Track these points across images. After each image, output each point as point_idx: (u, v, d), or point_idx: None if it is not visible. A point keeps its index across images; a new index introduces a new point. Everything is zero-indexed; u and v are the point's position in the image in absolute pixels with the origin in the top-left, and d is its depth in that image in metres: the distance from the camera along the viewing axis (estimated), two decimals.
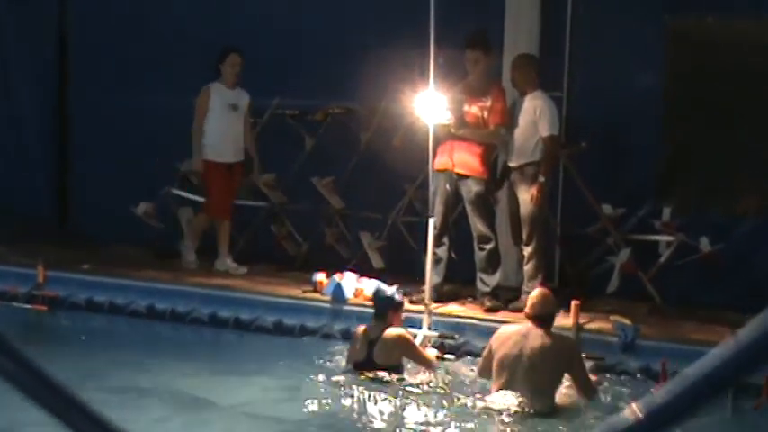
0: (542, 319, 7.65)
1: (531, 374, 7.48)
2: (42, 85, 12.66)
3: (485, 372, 7.86)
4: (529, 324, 7.67)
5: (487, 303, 9.69)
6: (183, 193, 11.60)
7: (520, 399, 7.43)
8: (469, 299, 9.94)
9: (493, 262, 9.84)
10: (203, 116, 10.94)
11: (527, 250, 9.74)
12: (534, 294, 7.92)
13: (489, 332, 8.83)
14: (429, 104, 9.08)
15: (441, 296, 9.74)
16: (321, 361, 8.74)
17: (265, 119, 11.44)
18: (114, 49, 12.13)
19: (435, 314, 9.21)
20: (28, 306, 10.06)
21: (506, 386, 7.51)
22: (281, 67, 11.41)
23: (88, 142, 12.36)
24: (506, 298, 9.86)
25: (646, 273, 9.93)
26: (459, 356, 8.97)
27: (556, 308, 7.96)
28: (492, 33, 10.24)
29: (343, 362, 8.48)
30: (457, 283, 10.13)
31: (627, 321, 8.96)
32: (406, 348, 8.20)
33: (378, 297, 8.47)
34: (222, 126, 10.93)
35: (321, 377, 8.25)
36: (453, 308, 9.70)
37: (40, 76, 12.66)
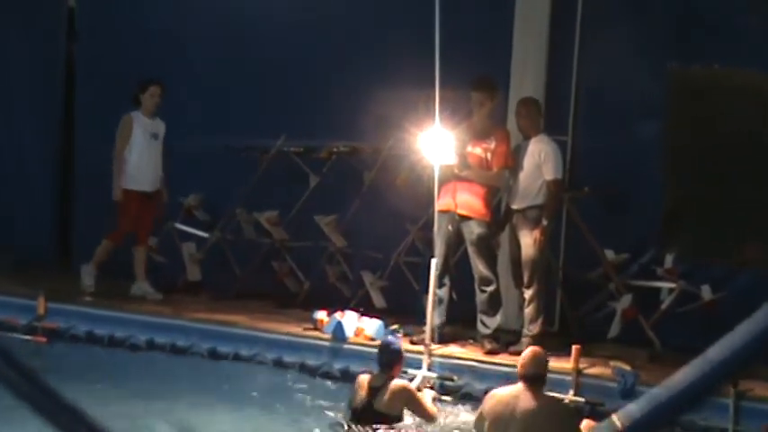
0: (532, 378, 7.34)
1: None
2: (47, 114, 12.73)
3: None
4: (521, 385, 7.37)
5: (487, 346, 9.66)
6: (187, 228, 11.63)
7: None
8: (470, 340, 9.91)
9: (494, 304, 9.82)
10: (126, 143, 10.96)
11: (528, 293, 9.72)
12: (526, 354, 7.61)
13: (489, 374, 8.79)
14: (434, 144, 9.10)
15: (441, 337, 9.71)
16: (320, 402, 8.73)
17: (270, 156, 11.47)
18: (121, 82, 12.18)
19: (435, 355, 9.19)
20: (28, 338, 10.02)
21: None
22: (287, 105, 11.47)
23: (92, 174, 12.37)
24: (506, 341, 9.83)
25: (647, 319, 9.90)
26: (457, 398, 8.94)
27: (546, 368, 7.61)
28: (498, 75, 10.28)
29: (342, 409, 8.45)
30: (457, 325, 10.11)
31: (627, 367, 8.93)
32: (411, 400, 8.14)
33: (387, 350, 8.29)
34: (144, 155, 10.99)
35: (319, 420, 8.24)
36: (453, 349, 9.66)
37: (46, 106, 12.73)
